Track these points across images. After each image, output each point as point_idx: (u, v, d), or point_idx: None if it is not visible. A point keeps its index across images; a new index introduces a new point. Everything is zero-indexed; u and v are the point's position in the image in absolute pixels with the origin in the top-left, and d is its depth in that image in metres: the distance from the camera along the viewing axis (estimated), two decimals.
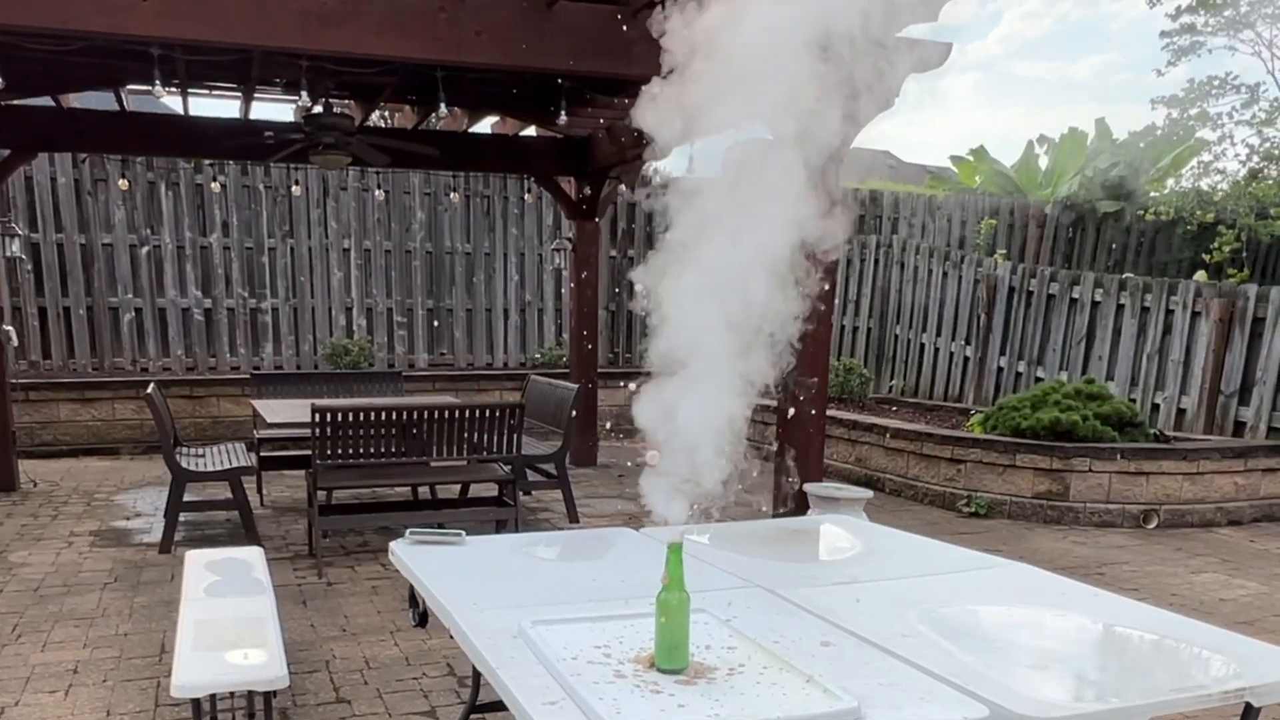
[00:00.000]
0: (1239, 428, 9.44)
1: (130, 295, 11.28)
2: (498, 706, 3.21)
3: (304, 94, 6.72)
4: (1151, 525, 7.94)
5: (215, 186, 11.17)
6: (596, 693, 1.92)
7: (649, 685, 1.99)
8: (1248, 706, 1.99)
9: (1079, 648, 2.38)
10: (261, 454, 7.98)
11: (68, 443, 10.44)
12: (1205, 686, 1.96)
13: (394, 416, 6.38)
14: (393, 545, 3.13)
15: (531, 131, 10.18)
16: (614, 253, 13.09)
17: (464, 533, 3.21)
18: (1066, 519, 7.96)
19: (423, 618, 3.01)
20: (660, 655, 2.07)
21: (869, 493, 6.59)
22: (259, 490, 8.24)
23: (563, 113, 7.34)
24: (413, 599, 3.09)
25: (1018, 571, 2.90)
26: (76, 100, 8.89)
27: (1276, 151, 15.90)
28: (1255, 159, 15.96)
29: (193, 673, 3.20)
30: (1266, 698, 1.99)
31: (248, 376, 9.92)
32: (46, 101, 8.43)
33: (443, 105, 7.01)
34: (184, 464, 6.75)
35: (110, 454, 10.50)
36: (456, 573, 2.85)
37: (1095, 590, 2.69)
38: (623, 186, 10.70)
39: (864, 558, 3.14)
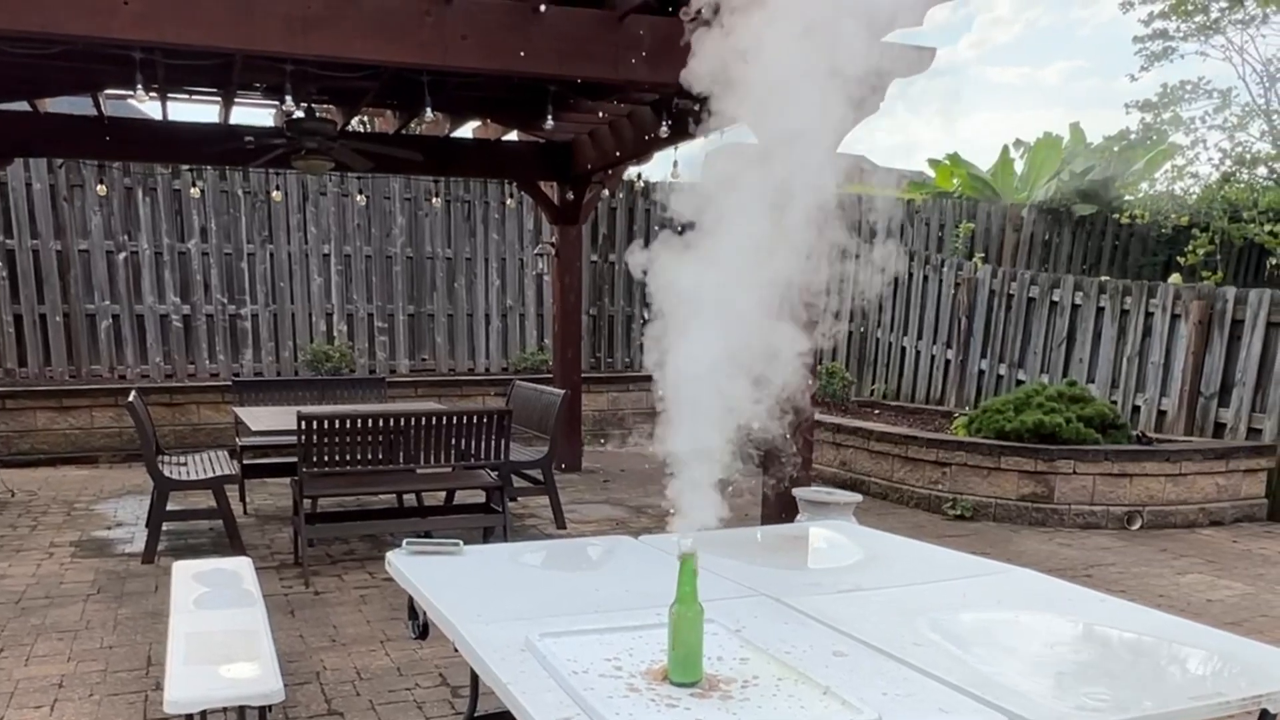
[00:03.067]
0: (1219, 429, 9.52)
1: (108, 302, 11.14)
2: (499, 718, 3.17)
3: (287, 99, 6.66)
4: (1135, 526, 8.00)
5: (194, 192, 11.05)
6: (612, 707, 1.90)
7: (664, 699, 1.96)
8: (1264, 713, 1.99)
9: (1091, 655, 2.37)
10: (244, 462, 7.90)
11: (45, 451, 10.29)
12: (1223, 694, 1.96)
13: (381, 423, 6.33)
14: (390, 556, 3.08)
15: (513, 136, 10.13)
16: (595, 257, 13.06)
17: (461, 542, 3.17)
18: (1051, 521, 8.00)
19: (423, 629, 2.97)
20: (674, 668, 2.05)
21: (858, 497, 6.59)
22: (241, 498, 8.15)
23: (549, 117, 7.31)
24: (412, 611, 3.04)
25: (1023, 577, 2.89)
26: (52, 105, 8.77)
27: (1248, 156, 16.06)
28: (1228, 163, 16.10)
29: (185, 688, 3.14)
30: None
31: (228, 383, 9.82)
32: (23, 106, 8.31)
33: (428, 110, 6.97)
34: (166, 473, 6.65)
35: (89, 462, 10.35)
36: (457, 583, 2.82)
37: (1101, 595, 2.69)
38: (605, 191, 10.68)
39: (866, 565, 3.13)
